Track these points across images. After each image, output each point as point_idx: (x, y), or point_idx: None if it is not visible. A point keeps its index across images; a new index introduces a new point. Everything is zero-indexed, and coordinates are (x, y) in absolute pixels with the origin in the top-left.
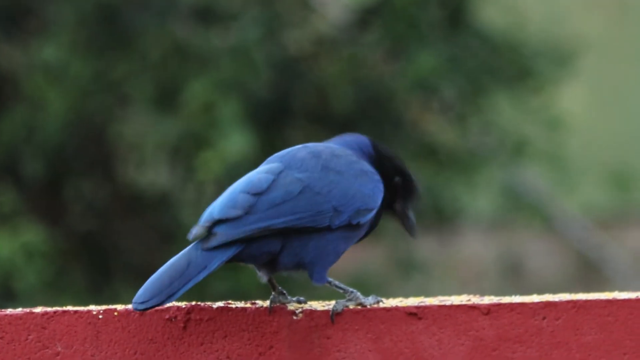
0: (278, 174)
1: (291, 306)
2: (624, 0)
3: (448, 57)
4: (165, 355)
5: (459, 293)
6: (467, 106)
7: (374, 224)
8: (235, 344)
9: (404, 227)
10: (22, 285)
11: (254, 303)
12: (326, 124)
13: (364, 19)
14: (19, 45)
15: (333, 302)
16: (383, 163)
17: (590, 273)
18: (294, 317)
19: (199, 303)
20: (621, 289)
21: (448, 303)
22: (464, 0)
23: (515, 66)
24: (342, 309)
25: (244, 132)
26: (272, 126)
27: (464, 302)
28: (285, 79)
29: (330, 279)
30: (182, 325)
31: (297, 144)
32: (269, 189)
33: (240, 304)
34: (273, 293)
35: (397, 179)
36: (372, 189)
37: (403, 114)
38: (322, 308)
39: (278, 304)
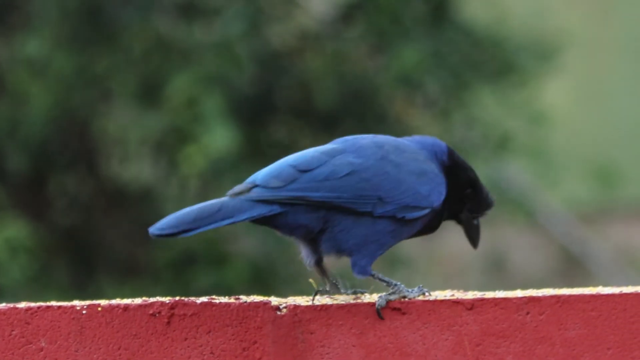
0: (333, 157)
1: (320, 299)
2: None
3: (431, 52)
4: (149, 350)
5: (443, 288)
6: (450, 101)
7: (432, 226)
8: (219, 339)
9: (467, 236)
10: (6, 280)
11: (238, 298)
12: (310, 119)
13: (347, 14)
14: (2, 40)
15: (317, 297)
16: (456, 172)
17: (573, 268)
18: (278, 313)
19: (182, 298)
20: (605, 284)
21: (432, 298)
22: None
23: (499, 61)
24: (387, 304)
25: (227, 126)
26: (256, 121)
27: (447, 297)
28: (269, 73)
29: (374, 272)
30: (166, 320)
31: (281, 139)
32: (317, 167)
33: (224, 300)
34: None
35: (468, 190)
36: (430, 190)
37: (387, 109)
38: (305, 303)
39: (326, 296)
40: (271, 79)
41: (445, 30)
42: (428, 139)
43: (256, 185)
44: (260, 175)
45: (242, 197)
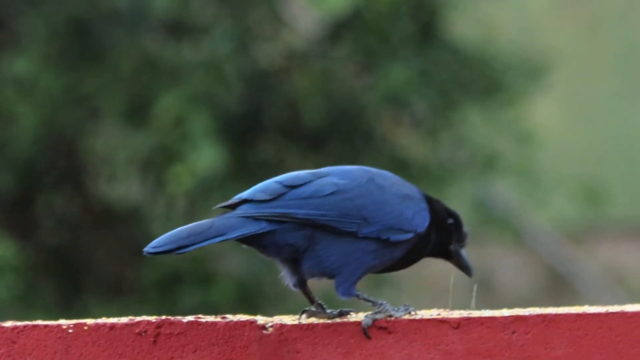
0: (318, 177)
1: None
2: (594, 14)
3: (419, 71)
4: None
5: (429, 307)
6: (438, 120)
7: (410, 259)
8: (205, 358)
9: (459, 268)
10: None
11: (224, 317)
12: (298, 138)
13: (335, 33)
14: None
15: (304, 316)
16: (434, 207)
17: (560, 287)
18: (264, 332)
19: (169, 317)
20: (591, 303)
21: (418, 317)
22: (436, 14)
23: (487, 80)
24: (373, 322)
25: (215, 145)
26: (244, 140)
27: (433, 316)
28: (257, 92)
29: (358, 292)
30: (152, 339)
31: (269, 157)
32: (303, 185)
33: (210, 319)
34: (310, 307)
35: (450, 220)
36: (414, 214)
37: (374, 128)
38: (292, 322)
39: (313, 317)
40: (259, 98)
41: (433, 49)
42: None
43: (244, 201)
44: (247, 191)
45: (231, 213)
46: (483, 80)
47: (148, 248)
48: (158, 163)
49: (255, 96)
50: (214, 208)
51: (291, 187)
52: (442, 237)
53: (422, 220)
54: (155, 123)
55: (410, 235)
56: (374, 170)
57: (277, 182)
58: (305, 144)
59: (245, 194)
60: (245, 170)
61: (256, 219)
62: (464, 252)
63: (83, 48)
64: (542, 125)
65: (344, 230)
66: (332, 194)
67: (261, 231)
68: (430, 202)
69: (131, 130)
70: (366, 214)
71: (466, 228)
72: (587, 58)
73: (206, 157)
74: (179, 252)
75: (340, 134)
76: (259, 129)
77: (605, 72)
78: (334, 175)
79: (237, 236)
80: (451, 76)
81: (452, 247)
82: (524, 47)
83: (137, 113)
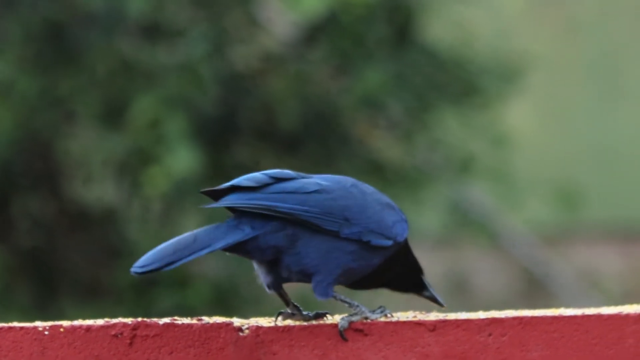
0: (304, 177)
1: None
2: (571, 17)
3: (395, 74)
4: None
5: (405, 309)
6: (413, 123)
7: (389, 273)
8: None
9: (431, 300)
10: None
11: (200, 319)
12: (273, 141)
13: (310, 36)
14: None
15: (280, 318)
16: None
17: (536, 290)
18: (240, 334)
19: (145, 319)
20: (567, 306)
21: (394, 319)
22: (411, 17)
23: (462, 83)
24: (349, 325)
25: (190, 148)
26: (219, 142)
27: (410, 319)
28: (232, 95)
29: (335, 293)
30: (128, 341)
31: (244, 160)
32: (288, 180)
33: (186, 321)
34: (286, 309)
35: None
36: (395, 222)
37: (349, 131)
38: (268, 324)
39: (289, 319)
40: (234, 100)
41: (408, 52)
42: None
43: (229, 190)
44: (235, 180)
45: (216, 203)
46: (459, 83)
47: (135, 268)
48: (134, 165)
49: (230, 99)
50: (200, 191)
51: (277, 179)
52: (417, 267)
53: (401, 230)
54: (131, 125)
55: (390, 242)
56: (354, 179)
57: (263, 173)
58: (281, 147)
59: (232, 181)
60: (221, 172)
61: (239, 226)
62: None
63: (59, 51)
64: (518, 128)
65: (326, 229)
66: (316, 192)
67: (245, 238)
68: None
69: (107, 133)
70: (349, 215)
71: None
72: (563, 61)
73: (182, 159)
74: (167, 268)
75: (316, 137)
76: (234, 131)
77: (581, 75)
78: (318, 179)
79: (222, 246)
80: (427, 79)
81: (424, 278)
82: (500, 50)
83: (113, 115)
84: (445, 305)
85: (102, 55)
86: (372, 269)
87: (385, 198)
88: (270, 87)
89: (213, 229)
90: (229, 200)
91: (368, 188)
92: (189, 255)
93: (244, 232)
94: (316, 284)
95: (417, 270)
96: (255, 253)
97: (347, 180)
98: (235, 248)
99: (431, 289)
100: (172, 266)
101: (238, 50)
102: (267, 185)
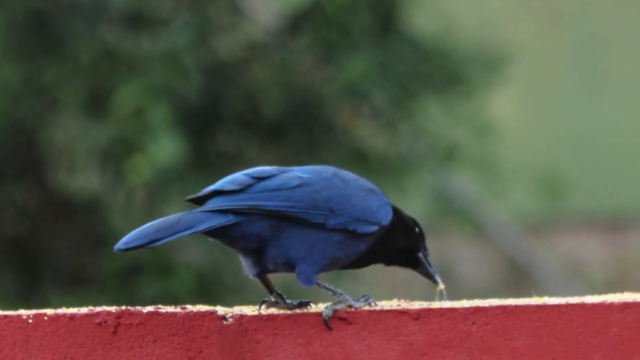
0: (282, 172)
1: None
2: (554, 7)
3: (379, 63)
4: (95, 359)
5: (389, 298)
6: (397, 112)
7: (381, 253)
8: (165, 348)
9: (426, 277)
10: None
11: (184, 307)
12: (257, 129)
13: (294, 25)
14: None
15: (263, 307)
16: (401, 214)
17: (520, 278)
18: (224, 322)
19: (128, 308)
20: (551, 295)
21: (378, 308)
22: (395, 7)
23: (446, 72)
24: (333, 314)
25: (174, 137)
26: (203, 131)
27: (394, 307)
28: (216, 84)
29: (319, 281)
30: (112, 329)
31: (228, 149)
32: (269, 177)
33: (170, 309)
34: (270, 297)
35: (417, 229)
36: (378, 206)
37: (333, 119)
38: (252, 313)
39: (273, 308)
40: (218, 89)
41: (392, 41)
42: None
43: (212, 194)
44: (216, 184)
45: (200, 208)
46: (442, 72)
47: (119, 245)
48: (117, 154)
49: (214, 87)
50: (185, 200)
51: (258, 179)
52: (410, 243)
53: (385, 214)
54: (115, 114)
55: (375, 228)
56: (335, 167)
57: (244, 174)
58: (265, 136)
59: (214, 186)
60: (204, 161)
61: (223, 211)
62: (431, 262)
63: (43, 40)
64: (502, 117)
65: (312, 222)
66: (298, 186)
67: (228, 223)
68: (396, 209)
69: (90, 122)
70: (333, 205)
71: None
72: (547, 50)
73: (165, 148)
74: (150, 246)
75: (300, 126)
76: (218, 120)
77: (565, 64)
78: (298, 171)
79: (205, 228)
80: (410, 68)
81: (419, 254)
82: (483, 39)
83: (97, 104)
84: (441, 284)
85: (86, 44)
86: (359, 255)
87: (366, 183)
88: (254, 76)
89: (198, 212)
90: (214, 204)
91: (348, 175)
92: (172, 234)
93: (227, 218)
94: (300, 271)
95: (411, 248)
96: (238, 240)
97: (328, 169)
98: (219, 234)
99: (429, 267)
100: (155, 244)
101: (222, 39)
102: (249, 186)
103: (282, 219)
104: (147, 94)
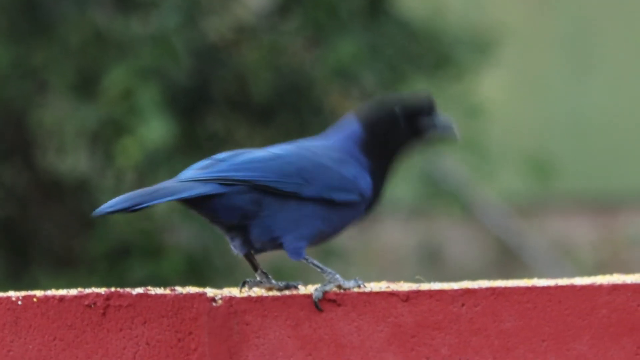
0: (251, 151)
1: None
2: None
3: (368, 45)
4: (84, 341)
5: (378, 280)
6: (386, 94)
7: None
8: (154, 330)
9: (440, 138)
10: None
11: (173, 289)
12: (246, 111)
13: (284, 7)
14: None
15: (245, 287)
16: (376, 120)
17: (509, 260)
18: (214, 304)
19: (118, 289)
20: (540, 276)
21: (367, 290)
22: None
23: (435, 54)
24: (324, 295)
25: (163, 118)
26: (192, 113)
27: (383, 289)
28: (206, 66)
29: (307, 257)
30: (101, 311)
31: (217, 131)
32: (236, 156)
33: (159, 291)
34: (253, 278)
35: (395, 109)
36: (355, 174)
37: (323, 101)
38: (241, 295)
39: (258, 287)
40: (208, 71)
41: (382, 23)
42: (338, 129)
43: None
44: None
45: (176, 178)
46: (432, 54)
47: (101, 209)
48: (107, 136)
49: (204, 70)
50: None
51: (226, 159)
52: (408, 132)
53: (365, 183)
54: (104, 96)
55: (356, 197)
56: (305, 141)
57: (211, 158)
58: (254, 118)
59: (186, 172)
60: (194, 143)
61: (207, 180)
62: (439, 118)
63: (32, 21)
64: (491, 99)
65: (287, 192)
66: (270, 159)
67: (211, 192)
68: (372, 126)
69: (80, 103)
70: (306, 175)
71: (421, 94)
72: (536, 33)
73: (155, 130)
74: (133, 209)
75: (289, 108)
76: (207, 102)
77: (554, 47)
78: (269, 148)
79: (188, 195)
80: (400, 50)
81: (422, 124)
82: (473, 21)
83: (86, 86)
84: (456, 136)
85: (75, 25)
86: (346, 228)
87: (337, 153)
88: (244, 58)
89: (181, 180)
90: (187, 176)
91: (317, 148)
92: (155, 199)
93: (211, 187)
94: (287, 245)
95: (416, 131)
96: (221, 212)
97: (295, 143)
98: (202, 205)
99: (438, 125)
100: (138, 207)
101: (211, 21)
102: (219, 160)
103: (262, 192)
104: (136, 76)
